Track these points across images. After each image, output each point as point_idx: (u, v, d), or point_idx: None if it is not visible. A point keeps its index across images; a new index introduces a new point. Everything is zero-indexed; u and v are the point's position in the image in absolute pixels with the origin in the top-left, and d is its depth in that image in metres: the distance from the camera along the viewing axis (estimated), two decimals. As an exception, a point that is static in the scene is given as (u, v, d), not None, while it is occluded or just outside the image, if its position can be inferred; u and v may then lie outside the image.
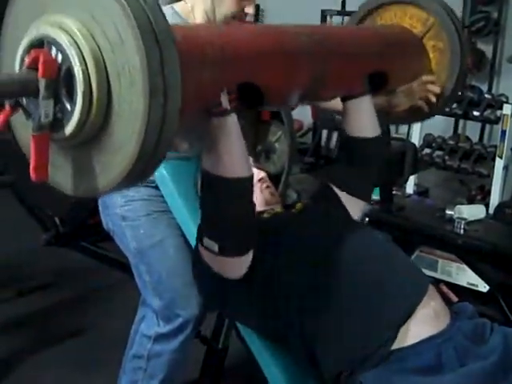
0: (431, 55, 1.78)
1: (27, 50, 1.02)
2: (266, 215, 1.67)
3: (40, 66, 0.97)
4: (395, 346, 1.29)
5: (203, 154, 1.31)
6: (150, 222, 1.88)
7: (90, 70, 0.97)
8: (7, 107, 1.02)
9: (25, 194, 3.45)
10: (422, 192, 4.09)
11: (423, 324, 1.31)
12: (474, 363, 1.26)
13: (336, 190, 1.66)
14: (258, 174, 1.76)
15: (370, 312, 1.34)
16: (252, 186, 1.34)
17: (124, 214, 1.88)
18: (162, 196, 1.88)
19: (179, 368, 2.00)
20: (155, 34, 0.96)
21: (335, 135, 4.97)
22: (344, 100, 1.61)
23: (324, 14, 4.73)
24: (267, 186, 1.78)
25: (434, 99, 1.77)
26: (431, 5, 1.76)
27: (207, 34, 1.23)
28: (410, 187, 3.73)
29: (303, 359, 1.45)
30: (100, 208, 1.99)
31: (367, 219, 2.69)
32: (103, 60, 0.98)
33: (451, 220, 2.64)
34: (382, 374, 1.27)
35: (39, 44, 1.01)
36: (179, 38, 1.02)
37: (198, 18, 1.79)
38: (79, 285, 3.27)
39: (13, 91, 0.99)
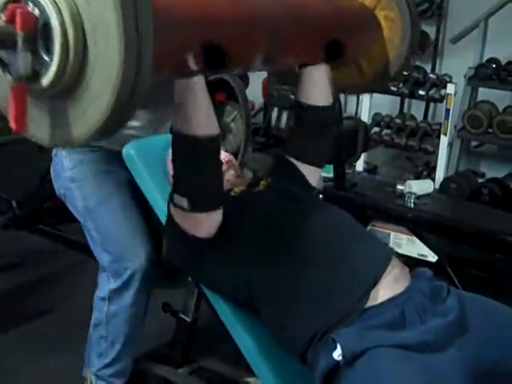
0: (384, 24, 1.86)
1: (3, 7, 1.04)
2: (232, 193, 1.75)
3: (18, 19, 0.99)
4: (366, 306, 1.40)
5: (173, 114, 1.39)
6: (96, 181, 2.03)
7: (66, 23, 1.01)
8: None
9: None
10: (371, 169, 4.23)
11: (387, 286, 1.43)
12: (435, 319, 1.38)
13: (293, 161, 1.75)
14: (225, 156, 1.83)
15: (346, 276, 1.45)
16: (219, 143, 1.43)
17: (73, 175, 2.03)
18: (109, 158, 2.02)
19: (137, 329, 2.09)
20: None
21: (285, 115, 5.04)
22: (301, 67, 1.69)
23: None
24: (234, 170, 1.85)
25: None
26: None
27: None
28: (359, 165, 3.86)
29: (274, 326, 1.54)
30: (52, 176, 2.12)
31: (321, 196, 2.79)
32: (79, 13, 1.02)
33: (402, 195, 2.75)
34: (353, 330, 1.37)
35: (15, 1, 1.03)
36: None
37: None
38: (40, 267, 3.27)
39: None
